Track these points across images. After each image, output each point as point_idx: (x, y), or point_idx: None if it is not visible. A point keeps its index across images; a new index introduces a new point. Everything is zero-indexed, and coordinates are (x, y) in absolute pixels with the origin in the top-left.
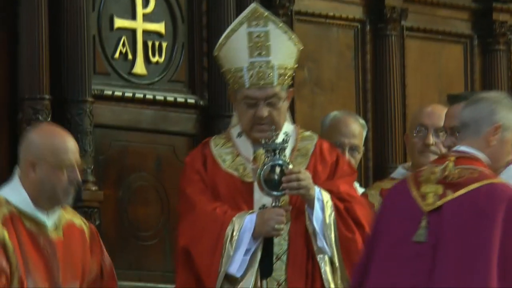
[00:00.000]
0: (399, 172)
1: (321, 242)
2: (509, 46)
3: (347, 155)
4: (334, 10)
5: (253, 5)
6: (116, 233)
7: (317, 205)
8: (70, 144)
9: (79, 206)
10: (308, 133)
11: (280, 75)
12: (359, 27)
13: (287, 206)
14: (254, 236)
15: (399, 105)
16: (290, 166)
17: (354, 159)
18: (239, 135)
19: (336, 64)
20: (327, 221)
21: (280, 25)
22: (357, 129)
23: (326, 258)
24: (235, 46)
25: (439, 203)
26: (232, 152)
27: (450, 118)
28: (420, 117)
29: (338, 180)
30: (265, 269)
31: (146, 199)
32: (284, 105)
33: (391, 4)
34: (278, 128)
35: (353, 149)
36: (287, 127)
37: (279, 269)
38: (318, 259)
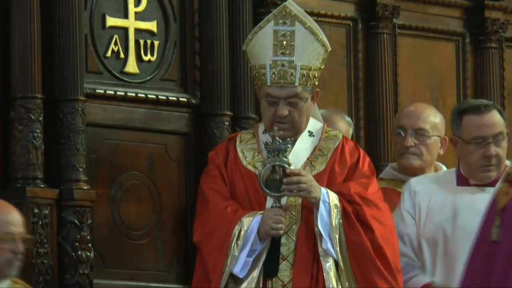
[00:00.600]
0: (387, 172)
1: (325, 244)
2: (501, 43)
3: None
4: (326, 8)
5: (284, 3)
6: (108, 232)
7: (322, 208)
8: (12, 217)
9: (71, 205)
10: (334, 132)
11: (303, 76)
12: (351, 25)
13: (286, 206)
14: (260, 237)
15: (391, 103)
16: (292, 167)
17: None
18: (264, 131)
19: (328, 62)
20: (334, 223)
21: (308, 25)
22: (343, 127)
23: (331, 260)
24: (260, 43)
25: (505, 201)
26: (254, 149)
27: (490, 126)
28: (400, 118)
29: (352, 182)
30: (270, 269)
31: (138, 198)
32: (306, 105)
33: (383, 2)
34: (298, 128)
35: None
36: (314, 125)
37: (285, 269)
38: (322, 261)
